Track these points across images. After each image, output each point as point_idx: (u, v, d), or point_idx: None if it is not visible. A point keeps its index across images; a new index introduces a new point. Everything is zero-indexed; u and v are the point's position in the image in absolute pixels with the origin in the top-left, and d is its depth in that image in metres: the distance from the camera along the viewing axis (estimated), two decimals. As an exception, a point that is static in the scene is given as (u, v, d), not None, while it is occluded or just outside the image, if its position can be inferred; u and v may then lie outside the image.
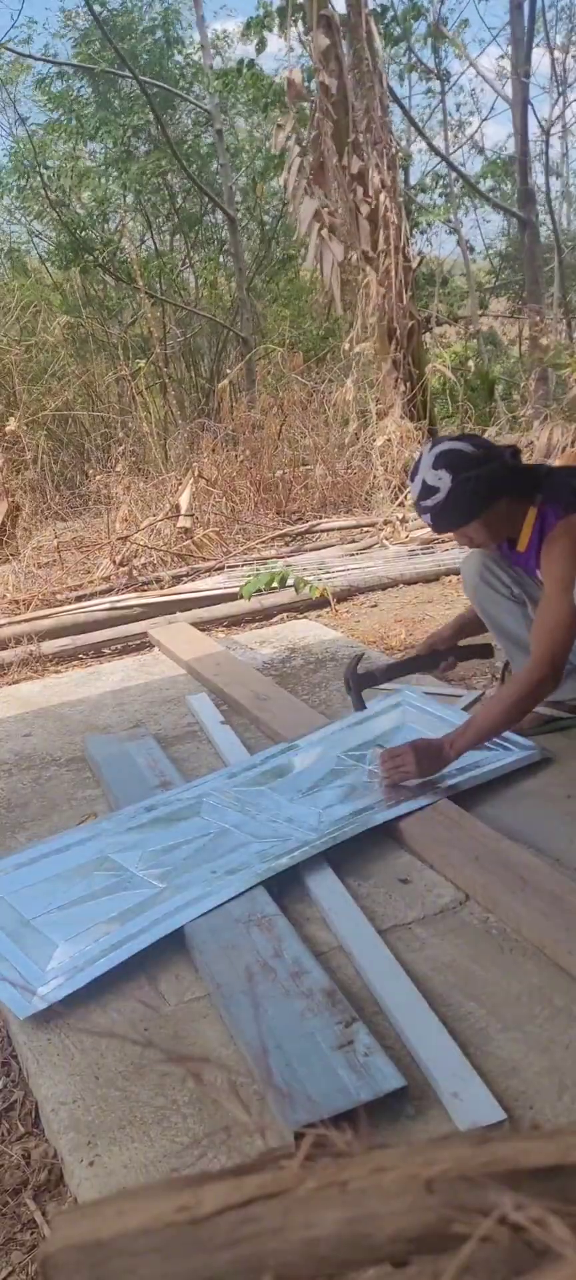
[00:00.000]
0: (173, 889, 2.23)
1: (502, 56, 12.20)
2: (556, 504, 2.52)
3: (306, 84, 7.87)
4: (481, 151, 13.95)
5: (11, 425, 7.32)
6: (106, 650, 4.54)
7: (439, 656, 2.88)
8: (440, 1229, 0.60)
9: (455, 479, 2.44)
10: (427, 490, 2.48)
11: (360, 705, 2.82)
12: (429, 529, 2.86)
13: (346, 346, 7.72)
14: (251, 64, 10.69)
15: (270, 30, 9.22)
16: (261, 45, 9.39)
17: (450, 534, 2.69)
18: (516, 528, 2.60)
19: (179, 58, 12.29)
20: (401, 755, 2.51)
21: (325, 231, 7.13)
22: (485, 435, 6.58)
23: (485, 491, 2.48)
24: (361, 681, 2.81)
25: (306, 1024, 1.73)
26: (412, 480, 2.55)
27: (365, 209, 7.20)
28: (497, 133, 28.94)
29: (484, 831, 2.32)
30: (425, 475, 2.49)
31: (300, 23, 7.82)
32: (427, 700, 3.10)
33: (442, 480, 2.45)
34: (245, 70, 10.81)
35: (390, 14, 10.32)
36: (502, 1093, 1.58)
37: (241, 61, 10.96)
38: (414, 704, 3.09)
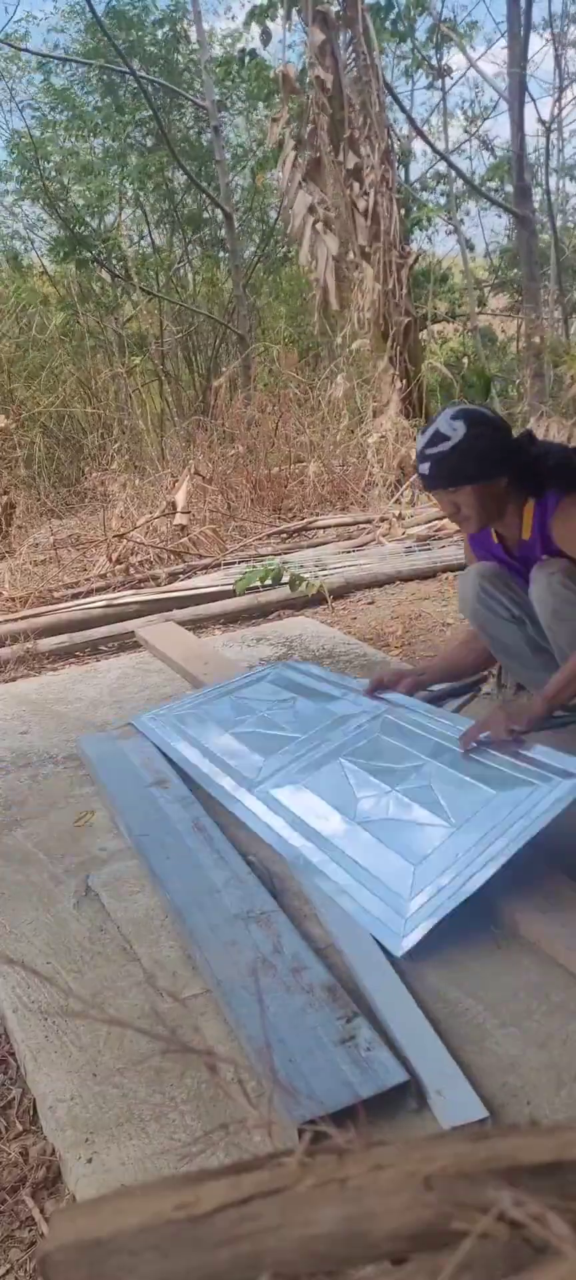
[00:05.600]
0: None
1: (504, 48, 12.12)
2: (554, 487, 2.51)
3: (303, 78, 7.85)
4: (486, 146, 13.91)
5: (1, 422, 7.30)
6: (103, 648, 4.53)
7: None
8: (439, 1226, 0.60)
9: (469, 429, 2.42)
10: (438, 437, 2.43)
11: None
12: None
13: (339, 341, 7.70)
14: (253, 54, 10.64)
15: (272, 20, 9.12)
16: (266, 37, 9.18)
17: (439, 495, 2.56)
18: (506, 516, 2.56)
19: (179, 57, 12.23)
20: (487, 722, 2.42)
21: (320, 226, 7.13)
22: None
23: (495, 453, 2.45)
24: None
25: (308, 1019, 1.73)
26: (425, 431, 2.50)
27: (361, 204, 7.19)
28: (497, 130, 28.96)
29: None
30: (440, 425, 2.45)
31: (297, 15, 7.78)
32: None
33: (456, 430, 2.42)
34: (247, 60, 10.78)
35: (394, 11, 10.28)
36: (500, 1088, 1.59)
37: (243, 51, 10.93)
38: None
